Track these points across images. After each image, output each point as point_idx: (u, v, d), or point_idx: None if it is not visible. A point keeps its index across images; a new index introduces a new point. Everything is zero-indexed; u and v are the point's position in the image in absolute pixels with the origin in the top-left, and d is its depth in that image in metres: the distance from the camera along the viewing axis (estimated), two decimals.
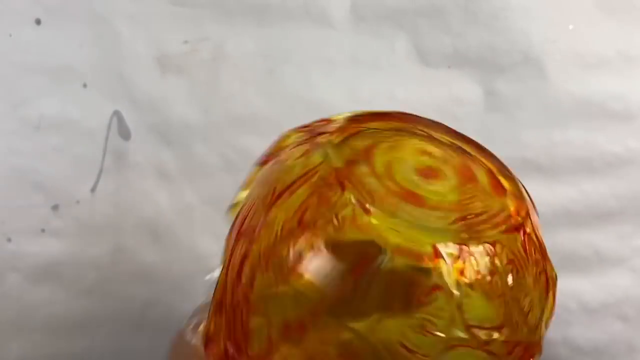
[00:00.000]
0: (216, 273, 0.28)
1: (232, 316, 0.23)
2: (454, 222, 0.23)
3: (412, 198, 0.23)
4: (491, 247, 0.22)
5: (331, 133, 0.25)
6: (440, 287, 0.21)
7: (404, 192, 0.23)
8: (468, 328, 0.21)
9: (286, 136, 0.27)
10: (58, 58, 0.43)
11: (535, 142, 0.44)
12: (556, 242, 0.44)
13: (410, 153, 0.25)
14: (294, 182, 0.23)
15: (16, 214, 0.44)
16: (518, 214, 0.24)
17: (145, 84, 0.44)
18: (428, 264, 0.21)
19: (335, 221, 0.22)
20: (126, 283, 0.46)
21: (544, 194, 0.44)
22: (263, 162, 0.27)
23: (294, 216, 0.22)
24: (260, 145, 0.44)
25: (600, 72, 0.44)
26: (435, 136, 0.26)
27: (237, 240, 0.24)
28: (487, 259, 0.22)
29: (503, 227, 0.23)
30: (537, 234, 0.24)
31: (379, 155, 0.24)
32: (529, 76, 0.43)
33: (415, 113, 0.44)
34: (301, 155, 0.24)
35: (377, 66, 0.44)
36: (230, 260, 0.24)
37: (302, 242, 0.22)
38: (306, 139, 0.26)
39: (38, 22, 0.43)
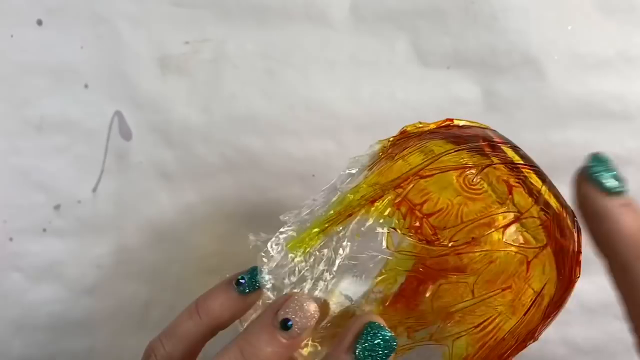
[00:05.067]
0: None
1: None
2: None
3: None
4: None
5: None
6: None
7: None
8: None
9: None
10: (59, 59, 0.43)
11: (535, 142, 0.44)
12: None
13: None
14: None
15: (18, 213, 0.44)
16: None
17: (146, 85, 0.44)
18: None
19: None
20: (127, 283, 0.46)
21: None
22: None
23: None
24: (261, 145, 0.45)
25: (599, 72, 0.44)
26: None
27: None
28: None
29: None
30: None
31: None
32: (528, 77, 0.43)
33: (416, 115, 0.44)
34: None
35: (377, 66, 0.44)
36: None
37: None
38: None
39: (39, 22, 0.43)
